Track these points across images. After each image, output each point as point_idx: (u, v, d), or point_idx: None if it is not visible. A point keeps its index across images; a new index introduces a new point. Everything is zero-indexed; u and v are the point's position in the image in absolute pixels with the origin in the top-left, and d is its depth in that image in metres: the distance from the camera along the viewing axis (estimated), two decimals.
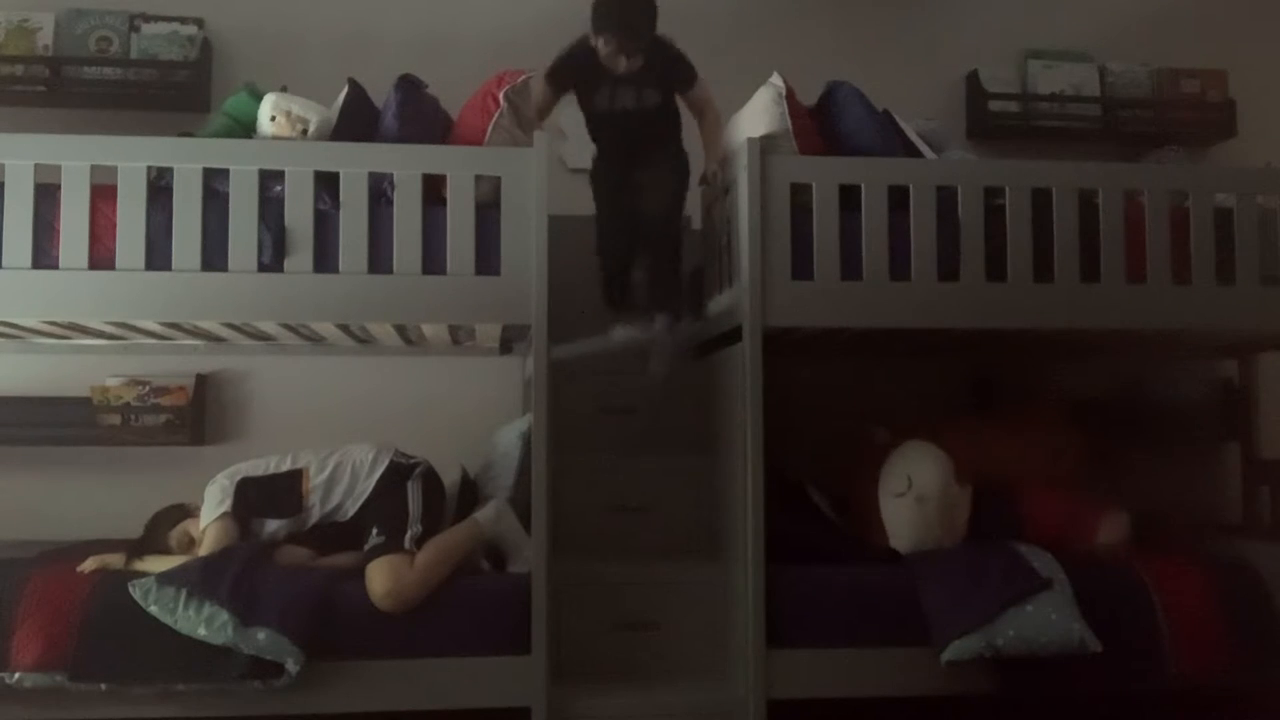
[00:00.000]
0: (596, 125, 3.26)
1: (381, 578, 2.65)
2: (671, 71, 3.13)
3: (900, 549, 2.90)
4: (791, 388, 3.01)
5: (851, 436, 3.26)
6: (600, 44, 3.03)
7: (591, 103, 3.19)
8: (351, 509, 2.88)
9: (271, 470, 2.92)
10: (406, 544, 2.73)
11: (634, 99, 3.13)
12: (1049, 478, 3.10)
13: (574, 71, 3.13)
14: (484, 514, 2.86)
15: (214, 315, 2.77)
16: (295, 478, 2.91)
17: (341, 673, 2.60)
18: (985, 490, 3.00)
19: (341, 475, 2.90)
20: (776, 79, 2.93)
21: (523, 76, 2.88)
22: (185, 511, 2.92)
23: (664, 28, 3.93)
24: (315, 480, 2.89)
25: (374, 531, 2.78)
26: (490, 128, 2.82)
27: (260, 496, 2.87)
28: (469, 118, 2.91)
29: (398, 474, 2.89)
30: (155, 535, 2.88)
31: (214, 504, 2.83)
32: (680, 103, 3.22)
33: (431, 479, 2.94)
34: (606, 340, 3.18)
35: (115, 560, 2.75)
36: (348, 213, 2.72)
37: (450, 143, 2.93)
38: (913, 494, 2.90)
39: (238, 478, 2.88)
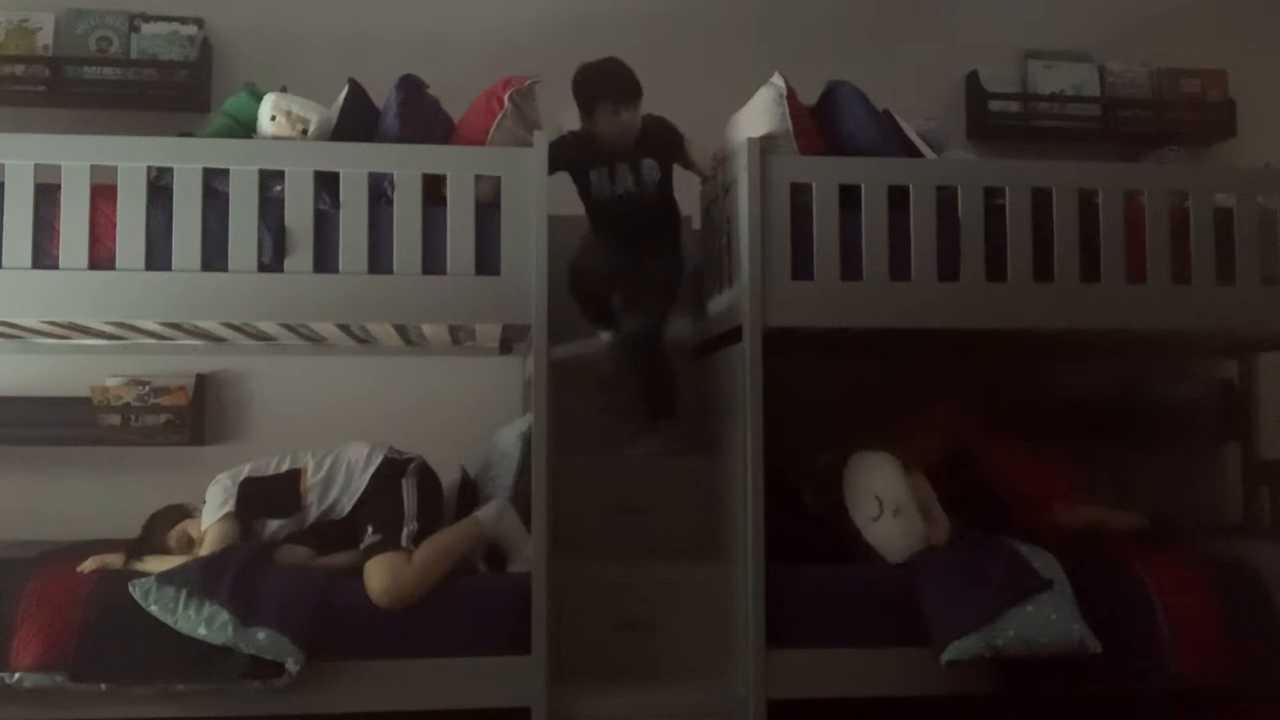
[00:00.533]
0: (597, 214, 3.25)
1: (380, 576, 2.66)
2: (662, 137, 3.14)
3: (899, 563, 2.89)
4: (794, 387, 3.01)
5: (803, 464, 3.24)
6: (600, 118, 3.04)
7: (589, 190, 3.18)
8: (347, 506, 2.89)
9: (272, 471, 2.92)
10: (404, 541, 2.73)
11: (633, 179, 3.13)
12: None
13: (563, 154, 3.04)
14: (485, 512, 2.86)
15: (214, 315, 2.77)
16: (294, 477, 2.91)
17: (341, 673, 2.60)
18: (946, 460, 3.02)
19: (337, 474, 2.91)
20: (778, 79, 2.93)
21: (529, 81, 2.88)
22: (184, 512, 2.92)
23: (665, 27, 3.96)
24: (313, 480, 2.90)
25: (369, 530, 2.78)
26: (493, 127, 2.82)
27: (261, 497, 2.88)
28: (472, 119, 2.91)
29: (392, 470, 2.90)
30: (153, 535, 2.88)
31: (216, 505, 2.84)
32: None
33: (426, 475, 2.94)
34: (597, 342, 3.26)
35: (115, 560, 2.75)
36: (348, 213, 2.72)
37: (453, 144, 2.93)
38: (887, 512, 2.87)
39: (240, 478, 2.89)
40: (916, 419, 3.19)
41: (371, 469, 2.90)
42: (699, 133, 3.22)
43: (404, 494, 2.84)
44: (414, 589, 2.65)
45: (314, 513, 2.90)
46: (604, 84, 3.05)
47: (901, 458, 2.94)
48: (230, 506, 2.83)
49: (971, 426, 3.21)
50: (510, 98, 2.83)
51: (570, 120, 3.58)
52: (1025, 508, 3.00)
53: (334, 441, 3.02)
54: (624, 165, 3.13)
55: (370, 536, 2.76)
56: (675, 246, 3.29)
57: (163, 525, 2.89)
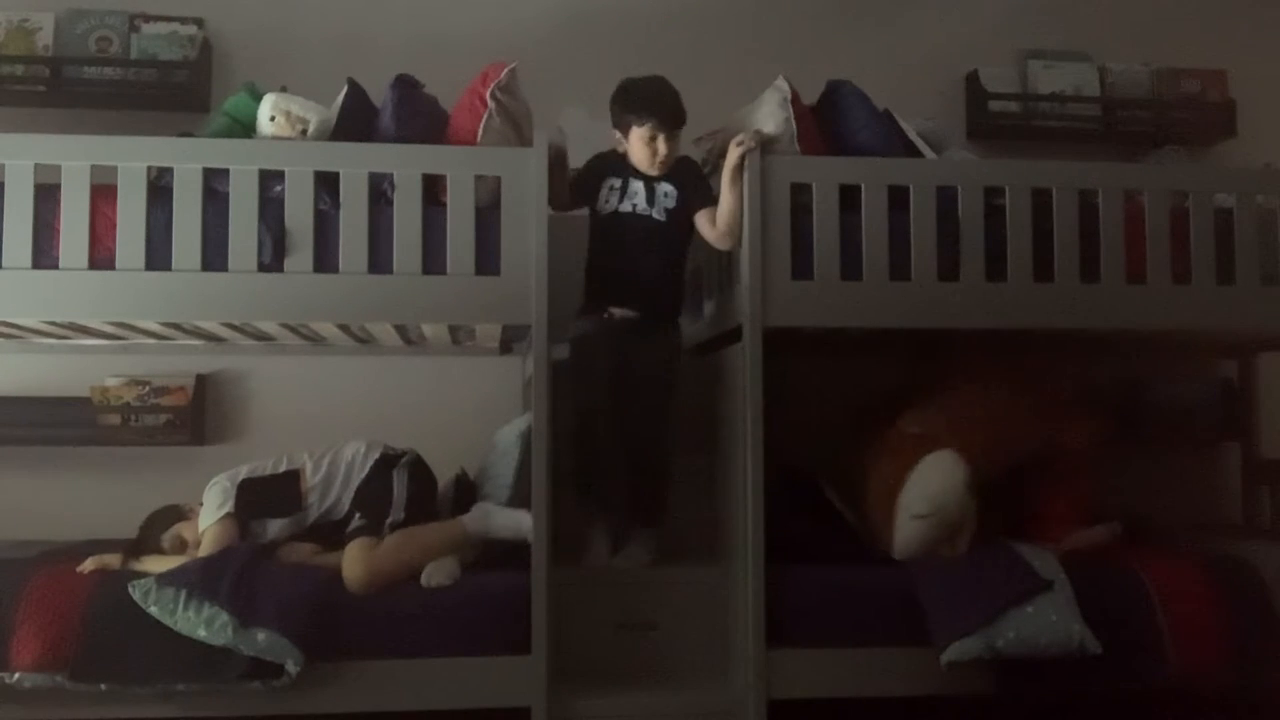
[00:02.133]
0: (598, 237, 2.99)
1: (348, 559, 2.71)
2: (697, 182, 2.96)
3: (900, 558, 2.89)
4: (799, 384, 3.01)
5: (872, 418, 3.17)
6: (634, 138, 2.89)
7: (595, 205, 2.99)
8: (346, 502, 2.91)
9: (269, 472, 2.94)
10: (384, 530, 2.78)
11: (646, 197, 2.94)
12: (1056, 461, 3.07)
13: (597, 173, 2.98)
14: (469, 516, 2.87)
15: (214, 315, 2.77)
16: (293, 478, 2.93)
17: (341, 673, 2.60)
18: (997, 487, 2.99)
19: (336, 473, 2.94)
20: (781, 82, 2.92)
21: (505, 70, 2.85)
22: (180, 513, 2.93)
23: (665, 26, 3.96)
24: (312, 480, 2.93)
25: (356, 516, 2.83)
26: (481, 129, 2.81)
27: (261, 498, 2.89)
28: (459, 119, 2.90)
29: (386, 464, 2.94)
30: (149, 536, 2.88)
31: (215, 506, 2.84)
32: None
33: (418, 467, 2.98)
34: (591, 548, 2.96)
35: (113, 561, 2.75)
36: (348, 213, 2.71)
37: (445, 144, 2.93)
38: (935, 518, 2.85)
39: (238, 480, 2.90)
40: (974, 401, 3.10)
41: (369, 465, 2.93)
42: (697, 129, 3.22)
43: (394, 484, 2.88)
44: (379, 572, 2.68)
45: (315, 513, 2.92)
46: (649, 102, 2.88)
47: (975, 464, 2.89)
48: (230, 507, 2.84)
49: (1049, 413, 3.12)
50: (493, 95, 2.82)
51: (570, 121, 3.57)
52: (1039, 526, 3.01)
53: (334, 442, 3.03)
54: (639, 181, 2.95)
55: (356, 522, 2.81)
56: (673, 325, 3.04)
57: (158, 526, 2.90)
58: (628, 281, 2.97)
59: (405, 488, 2.89)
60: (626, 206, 2.97)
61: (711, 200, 2.92)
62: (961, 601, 2.67)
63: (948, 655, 2.63)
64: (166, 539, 2.87)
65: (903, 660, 2.72)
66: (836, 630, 2.74)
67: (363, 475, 2.92)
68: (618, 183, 2.97)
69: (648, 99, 2.90)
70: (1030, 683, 2.67)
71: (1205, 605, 2.76)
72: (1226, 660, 2.72)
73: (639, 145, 2.90)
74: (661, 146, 2.88)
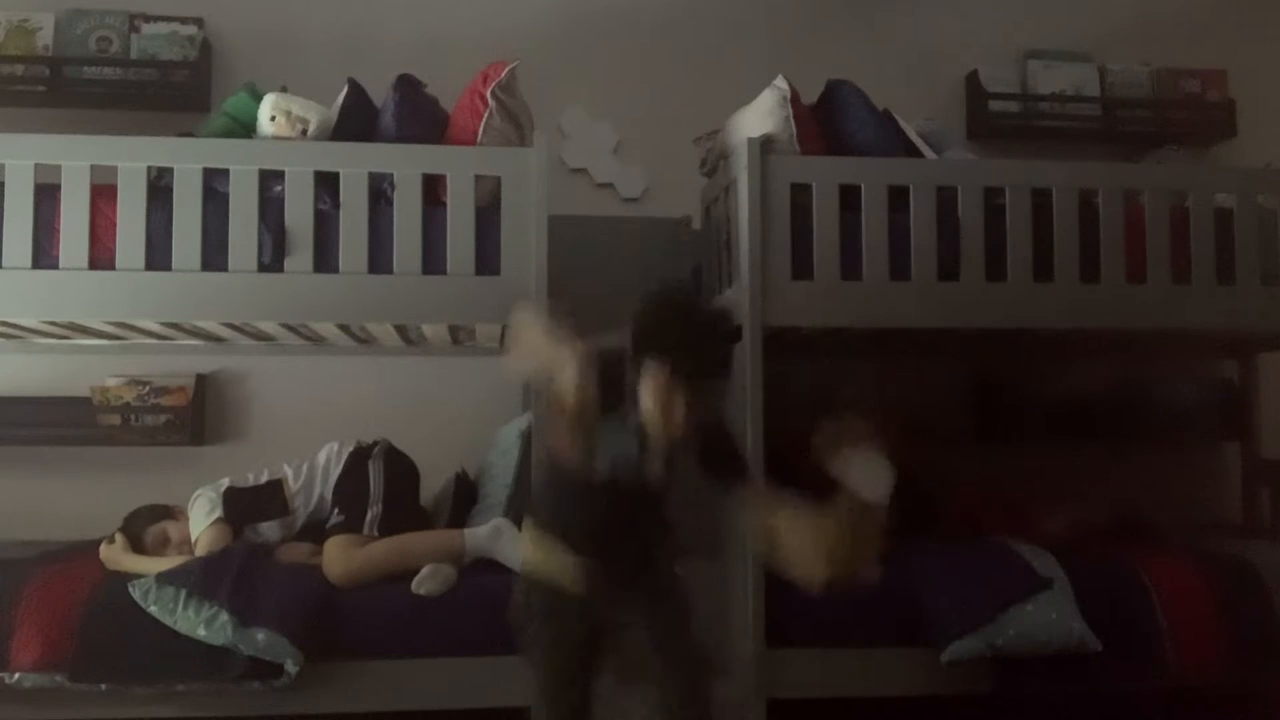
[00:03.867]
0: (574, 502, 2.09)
1: (326, 556, 2.74)
2: (717, 461, 2.08)
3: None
4: (796, 387, 3.00)
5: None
6: (645, 380, 1.92)
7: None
8: (329, 500, 2.94)
9: (251, 482, 2.98)
10: (366, 526, 2.79)
11: (636, 465, 2.00)
12: None
13: (611, 362, 1.97)
14: (475, 531, 2.85)
15: (214, 315, 2.77)
16: (276, 486, 2.98)
17: (341, 673, 2.60)
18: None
19: (315, 476, 2.98)
20: (781, 82, 2.92)
21: (506, 69, 2.85)
22: (166, 511, 2.94)
23: (665, 27, 3.95)
24: (295, 487, 2.97)
25: (335, 511, 2.86)
26: (481, 128, 2.81)
27: (248, 504, 2.92)
28: (460, 119, 2.90)
29: (360, 457, 2.96)
30: (131, 531, 2.89)
31: (204, 514, 2.87)
32: None
33: (393, 456, 2.99)
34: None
35: (115, 554, 2.78)
36: (348, 213, 2.72)
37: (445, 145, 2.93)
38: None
39: (222, 489, 2.93)
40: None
41: (343, 461, 2.97)
42: (697, 129, 3.22)
43: (370, 476, 2.90)
44: (359, 574, 2.69)
45: (302, 515, 2.95)
46: (663, 330, 1.93)
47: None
48: (219, 513, 2.87)
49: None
50: (493, 94, 2.82)
51: (570, 121, 3.56)
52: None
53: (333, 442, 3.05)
54: (636, 440, 2.00)
55: (335, 517, 2.83)
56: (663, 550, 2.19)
57: (142, 521, 2.91)
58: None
59: (381, 478, 2.90)
60: (621, 456, 2.02)
61: (742, 470, 2.17)
62: (962, 600, 2.67)
63: (949, 654, 2.63)
64: (150, 534, 2.88)
65: (903, 660, 2.72)
66: (836, 630, 2.74)
67: (339, 469, 2.95)
68: (620, 420, 2.00)
69: (662, 326, 1.94)
70: (1030, 682, 2.67)
71: (1205, 605, 2.76)
72: (1226, 660, 2.72)
73: (646, 396, 1.92)
74: (679, 404, 1.90)
